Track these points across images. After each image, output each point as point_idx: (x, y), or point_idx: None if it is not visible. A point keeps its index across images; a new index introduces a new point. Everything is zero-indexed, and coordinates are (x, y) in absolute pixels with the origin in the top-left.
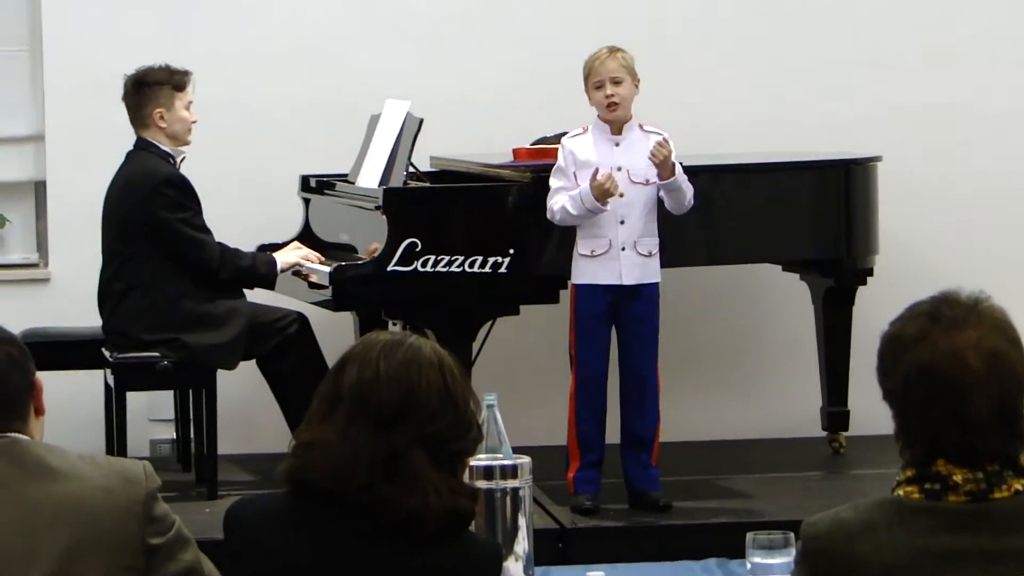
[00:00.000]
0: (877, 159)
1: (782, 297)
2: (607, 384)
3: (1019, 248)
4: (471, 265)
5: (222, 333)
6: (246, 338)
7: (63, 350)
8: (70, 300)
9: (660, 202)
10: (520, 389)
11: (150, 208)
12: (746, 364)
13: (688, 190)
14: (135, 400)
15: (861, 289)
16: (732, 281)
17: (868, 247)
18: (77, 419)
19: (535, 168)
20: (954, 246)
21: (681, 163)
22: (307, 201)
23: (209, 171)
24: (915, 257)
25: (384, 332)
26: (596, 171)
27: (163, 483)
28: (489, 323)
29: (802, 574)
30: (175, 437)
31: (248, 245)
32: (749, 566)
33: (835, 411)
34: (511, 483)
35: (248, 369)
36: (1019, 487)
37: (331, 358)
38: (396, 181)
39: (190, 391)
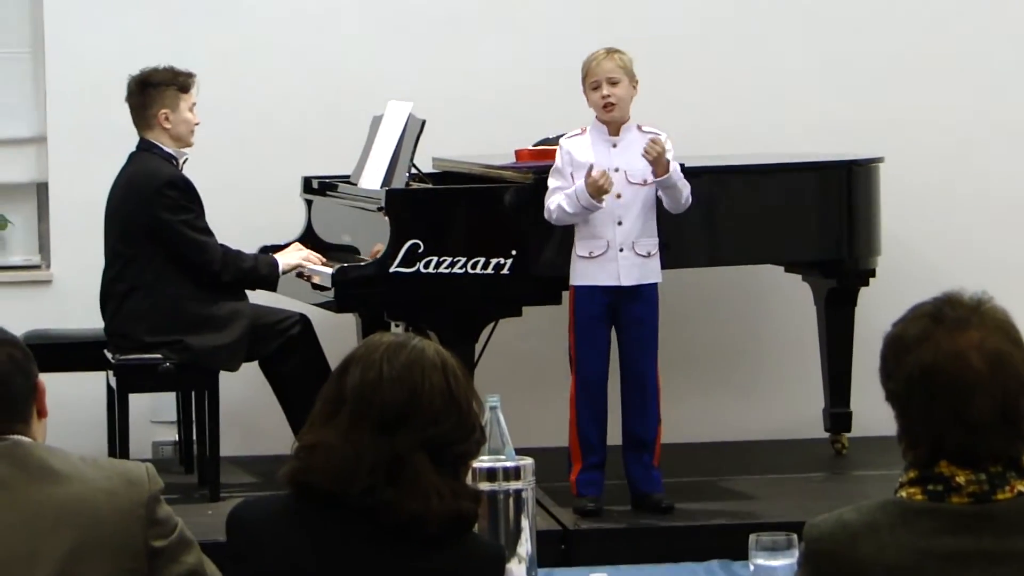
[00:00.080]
0: (879, 160)
1: (784, 298)
2: (608, 385)
3: (1021, 249)
4: (473, 266)
5: (224, 335)
6: (248, 340)
7: (65, 352)
8: (72, 302)
9: (659, 202)
10: (523, 390)
11: (152, 210)
12: (748, 365)
13: (684, 188)
14: (137, 402)
15: (863, 290)
16: (734, 282)
17: (870, 248)
18: (79, 421)
19: (537, 169)
20: (956, 247)
21: (683, 164)
22: (309, 202)
23: (211, 172)
24: (917, 258)
25: (388, 334)
26: (591, 168)
27: (165, 485)
28: (491, 324)
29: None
30: (177, 439)
31: (250, 247)
32: (752, 568)
33: (837, 412)
34: (514, 485)
35: (250, 371)
36: (1022, 488)
37: (333, 359)
38: (398, 182)
39: (192, 393)
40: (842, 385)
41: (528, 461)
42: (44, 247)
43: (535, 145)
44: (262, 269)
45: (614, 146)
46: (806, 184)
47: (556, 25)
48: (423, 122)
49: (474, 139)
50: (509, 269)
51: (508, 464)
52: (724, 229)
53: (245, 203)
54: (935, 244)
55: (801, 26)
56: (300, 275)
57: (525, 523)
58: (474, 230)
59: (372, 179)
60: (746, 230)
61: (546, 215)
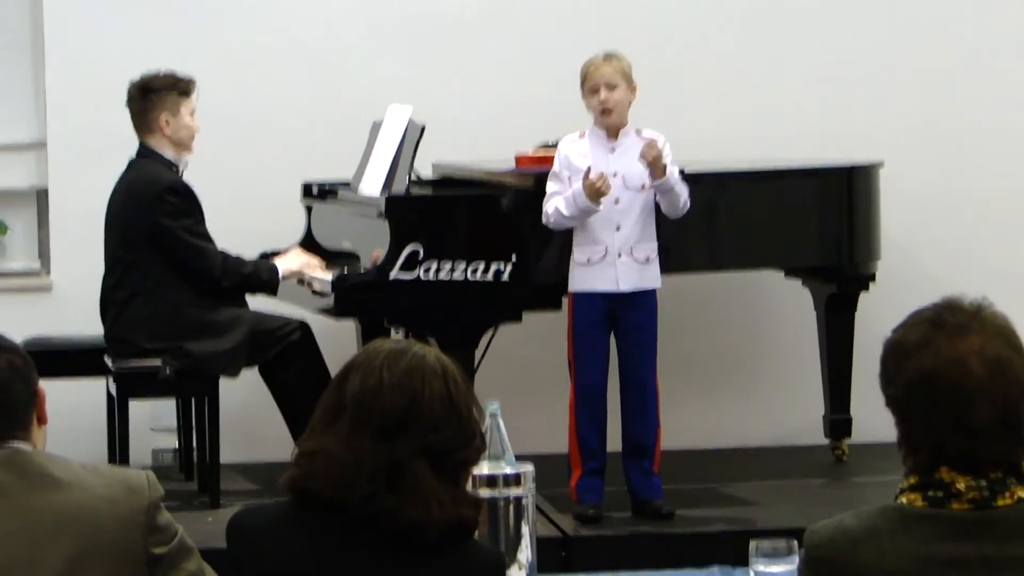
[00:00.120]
0: (879, 165)
1: (784, 303)
2: (607, 392)
3: (1021, 254)
4: (473, 272)
5: (224, 341)
6: (248, 346)
7: (65, 359)
8: (72, 308)
9: (659, 207)
10: (523, 396)
11: (152, 215)
12: (749, 371)
13: (682, 192)
14: (137, 409)
15: (863, 295)
16: (734, 287)
17: (870, 253)
18: (79, 428)
19: (537, 174)
20: (956, 252)
21: (683, 170)
22: (309, 208)
23: (211, 178)
24: (917, 263)
25: (388, 340)
26: (588, 170)
27: (165, 492)
28: (491, 330)
29: None
30: (177, 446)
31: (250, 252)
32: (752, 574)
33: (838, 418)
34: (514, 491)
35: (250, 377)
36: (1022, 494)
37: (333, 365)
38: (398, 188)
39: (192, 399)
40: (842, 391)
41: (528, 468)
42: (44, 253)
43: (536, 150)
44: (262, 274)
45: (612, 150)
46: (806, 189)
47: (557, 30)
48: (423, 127)
49: (474, 144)
50: (509, 275)
51: (508, 471)
52: (724, 234)
53: (245, 209)
54: (935, 249)
55: (801, 31)
56: (300, 281)
57: (525, 530)
58: (474, 236)
59: (372, 185)
60: (746, 235)
61: (544, 219)
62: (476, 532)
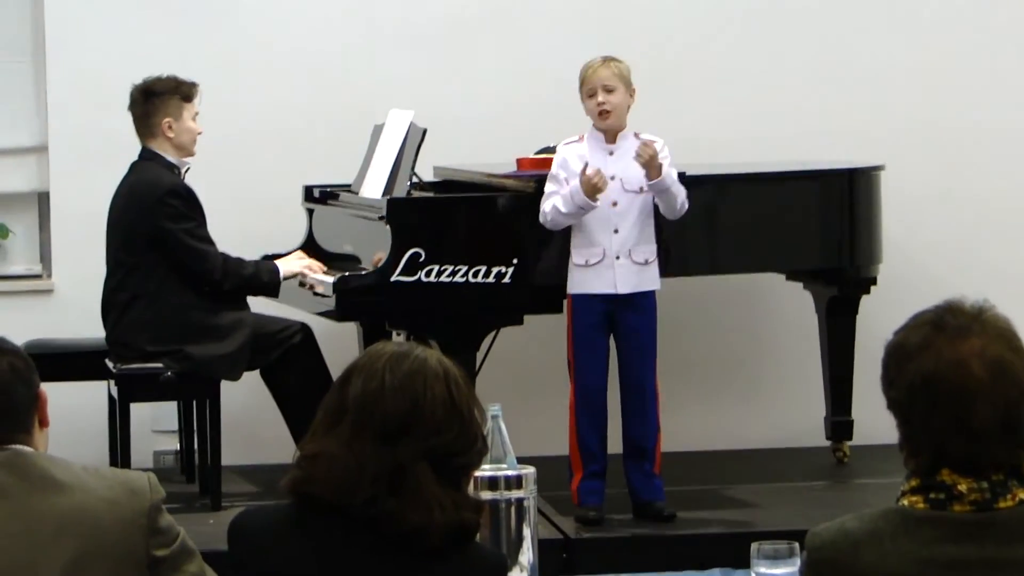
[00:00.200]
0: (880, 168)
1: (785, 306)
2: (607, 393)
3: (1022, 256)
4: (475, 275)
5: (226, 344)
6: (250, 349)
7: (66, 361)
8: (73, 311)
9: (657, 210)
10: (524, 399)
11: (154, 218)
12: (750, 373)
13: (680, 194)
14: (138, 411)
15: (864, 298)
16: (736, 290)
17: (871, 256)
18: (80, 430)
19: (538, 178)
20: (957, 255)
21: (684, 172)
22: (311, 211)
23: (212, 181)
24: (918, 266)
25: (390, 343)
26: (586, 166)
27: (167, 494)
28: (493, 333)
29: None
30: (179, 448)
31: (251, 255)
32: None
33: (839, 420)
34: (515, 493)
35: (252, 380)
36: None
37: (335, 368)
38: (400, 191)
39: (194, 402)
40: (843, 393)
41: (530, 470)
42: (45, 256)
43: (536, 153)
44: (263, 276)
45: (611, 154)
46: (807, 192)
47: (558, 34)
48: (424, 131)
49: (475, 147)
50: (510, 278)
51: (510, 473)
52: (725, 237)
53: (246, 212)
54: (936, 252)
55: (801, 34)
56: (301, 284)
57: (527, 532)
58: (475, 239)
59: (373, 188)
60: (747, 238)
61: (541, 218)
62: (478, 535)
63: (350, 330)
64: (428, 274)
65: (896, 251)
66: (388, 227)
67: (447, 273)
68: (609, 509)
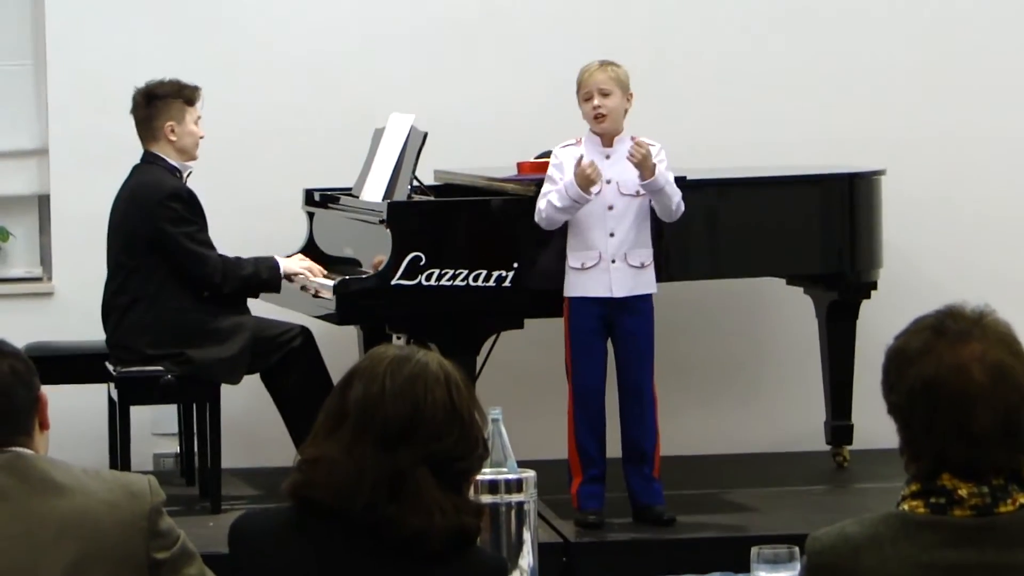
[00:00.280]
0: (881, 172)
1: (786, 311)
2: (605, 397)
3: (1022, 261)
4: (475, 279)
5: (226, 347)
6: (250, 353)
7: (67, 364)
8: (74, 314)
9: (655, 213)
10: (524, 402)
11: (155, 221)
12: (750, 377)
13: (675, 195)
14: (139, 414)
15: (865, 303)
16: (736, 294)
17: (872, 261)
18: (81, 433)
19: (539, 182)
20: (958, 260)
21: (685, 177)
22: (311, 215)
23: (213, 185)
24: (919, 271)
25: (392, 347)
26: (581, 158)
27: (167, 497)
28: (493, 337)
29: None
30: (179, 451)
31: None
32: None
33: (839, 425)
34: (516, 497)
35: (252, 383)
36: None
37: (335, 372)
38: (400, 195)
39: (194, 405)
40: (844, 397)
41: (530, 474)
42: (45, 259)
43: (537, 157)
44: (263, 273)
45: (607, 157)
46: (808, 197)
47: (558, 38)
48: (425, 134)
49: (476, 151)
50: (510, 281)
51: (510, 476)
52: (726, 242)
53: (247, 215)
54: (937, 257)
55: (803, 39)
56: (303, 288)
57: (527, 536)
58: (476, 242)
59: (374, 191)
60: (748, 243)
61: (536, 216)
62: (478, 538)
63: (350, 333)
64: (429, 278)
65: (896, 256)
66: (389, 231)
67: (447, 277)
68: (609, 513)
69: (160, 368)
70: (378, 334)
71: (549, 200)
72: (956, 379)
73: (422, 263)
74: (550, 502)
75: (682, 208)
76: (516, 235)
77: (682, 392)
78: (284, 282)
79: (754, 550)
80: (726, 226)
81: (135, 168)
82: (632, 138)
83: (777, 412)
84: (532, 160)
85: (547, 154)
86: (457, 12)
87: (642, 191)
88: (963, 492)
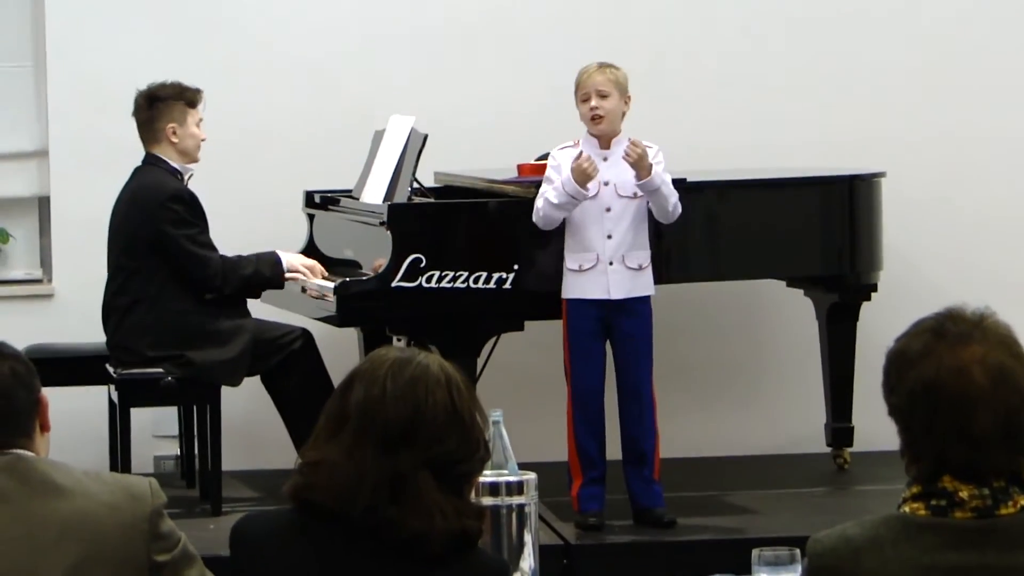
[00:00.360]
0: (881, 175)
1: (786, 313)
2: (604, 399)
3: (1023, 263)
4: (475, 281)
5: (227, 350)
6: (250, 355)
7: (67, 366)
8: (74, 316)
9: (652, 215)
10: (525, 404)
11: (156, 223)
12: (751, 379)
13: (671, 196)
14: (139, 416)
15: (865, 305)
16: (737, 296)
17: (872, 263)
18: (81, 435)
19: (539, 184)
20: (958, 262)
21: (685, 179)
22: (311, 217)
23: (213, 187)
24: (919, 273)
25: (393, 349)
26: (580, 154)
27: (167, 499)
28: (493, 339)
29: None
30: (179, 453)
31: None
32: None
33: (839, 427)
34: (517, 499)
35: (252, 385)
36: None
37: (335, 374)
38: (400, 197)
39: (194, 407)
40: (844, 400)
41: (531, 476)
42: (46, 261)
43: (537, 159)
44: (265, 271)
45: (605, 159)
46: (808, 199)
47: (558, 40)
48: (425, 136)
49: (476, 153)
50: (511, 283)
51: (511, 479)
52: (726, 244)
53: (247, 217)
54: (937, 259)
55: (803, 41)
56: (303, 289)
57: (528, 538)
58: (476, 244)
59: (374, 193)
60: (748, 245)
61: (534, 216)
62: (479, 541)
63: (351, 335)
64: (429, 280)
65: (897, 258)
66: (389, 233)
67: (448, 279)
68: (609, 515)
69: (160, 370)
70: (378, 336)
71: (546, 198)
72: (957, 381)
73: (422, 265)
74: (551, 504)
75: (679, 209)
76: (516, 237)
77: (683, 394)
78: (286, 283)
79: (755, 552)
80: (726, 228)
81: (136, 170)
82: (629, 139)
83: (778, 414)
84: (532, 162)
85: (547, 156)
86: (457, 14)
87: (639, 193)
88: (964, 494)
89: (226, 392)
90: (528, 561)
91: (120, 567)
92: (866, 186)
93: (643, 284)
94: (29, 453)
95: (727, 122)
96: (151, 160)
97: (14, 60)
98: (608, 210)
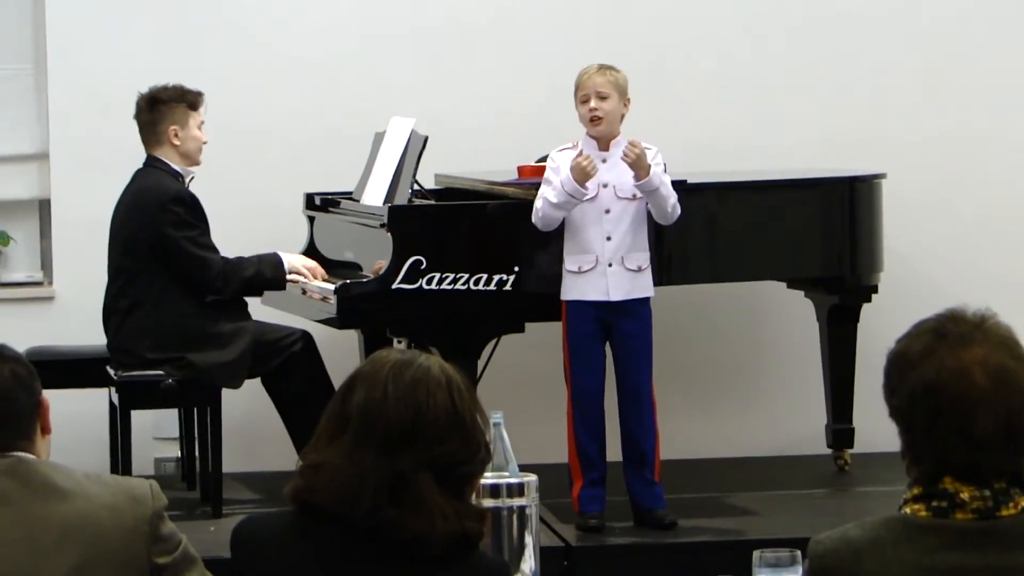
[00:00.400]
0: (881, 176)
1: (786, 314)
2: (604, 400)
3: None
4: (476, 283)
5: (227, 352)
6: (251, 357)
7: (67, 368)
8: (74, 318)
9: (652, 217)
10: (525, 406)
11: (157, 225)
12: (751, 381)
13: (669, 196)
14: (140, 418)
15: (865, 306)
16: (737, 298)
17: (872, 264)
18: (82, 437)
19: (540, 185)
20: (959, 263)
21: (685, 180)
22: (312, 219)
23: (213, 189)
24: (919, 274)
25: (393, 351)
26: (580, 152)
27: (168, 502)
28: (494, 340)
29: None
30: (180, 455)
31: None
32: None
33: (840, 428)
34: (518, 501)
35: (253, 387)
36: None
37: (336, 376)
38: (401, 199)
39: (195, 409)
40: (844, 401)
41: (532, 478)
42: (46, 263)
43: (537, 161)
44: (266, 272)
45: (604, 161)
46: (808, 200)
47: (559, 41)
48: (425, 138)
49: (477, 155)
50: (511, 285)
51: (512, 481)
52: (726, 246)
53: (247, 219)
54: (938, 260)
55: (803, 43)
56: (304, 291)
57: (529, 540)
58: (476, 246)
59: (374, 195)
60: (748, 247)
61: (533, 217)
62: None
63: (351, 337)
64: (429, 282)
65: (897, 259)
66: (389, 235)
67: (448, 281)
68: (610, 517)
69: (161, 372)
70: (379, 338)
71: (546, 198)
72: (958, 383)
73: (423, 267)
74: (551, 506)
75: (678, 210)
76: (517, 239)
77: (684, 396)
78: (287, 284)
79: (756, 554)
80: (727, 230)
81: (137, 172)
82: (628, 140)
83: (778, 416)
84: (533, 164)
85: (547, 158)
86: (457, 15)
87: (639, 194)
88: (965, 496)
89: (227, 394)
90: (529, 563)
91: (121, 569)
92: (866, 187)
93: (642, 286)
94: (30, 456)
95: (727, 123)
96: (152, 162)
97: (15, 62)
98: (607, 212)
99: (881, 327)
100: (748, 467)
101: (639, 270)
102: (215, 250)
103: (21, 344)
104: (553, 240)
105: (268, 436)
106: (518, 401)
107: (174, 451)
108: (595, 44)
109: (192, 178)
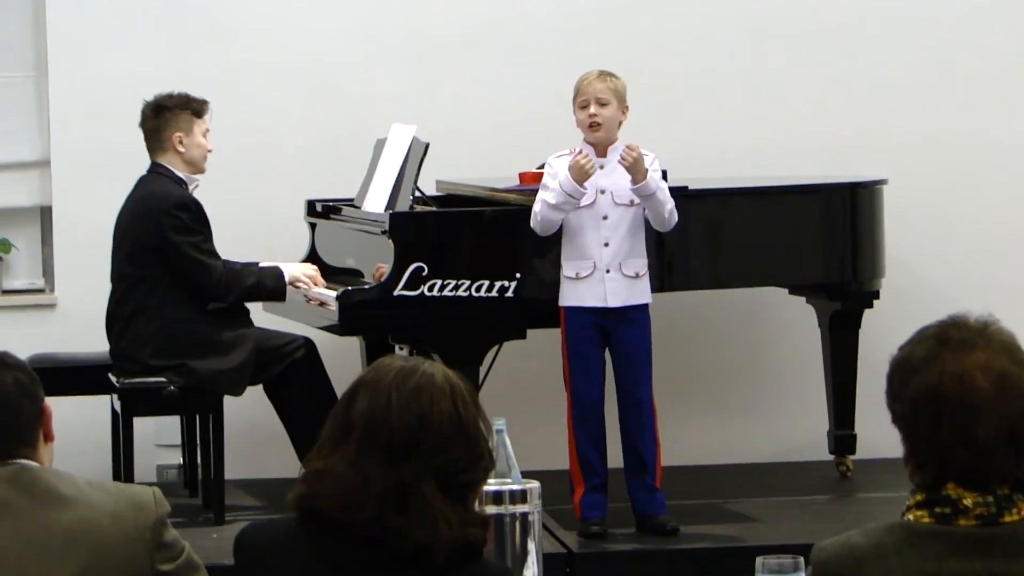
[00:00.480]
0: (883, 182)
1: (788, 320)
2: (604, 407)
3: None
4: (477, 289)
5: (229, 359)
6: (253, 364)
7: (69, 376)
8: (76, 325)
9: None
10: (528, 413)
11: (161, 230)
12: (753, 387)
13: (666, 201)
14: (142, 425)
15: (867, 312)
16: (739, 304)
17: (874, 270)
18: (84, 445)
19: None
20: (961, 269)
21: (686, 187)
22: (313, 226)
23: (215, 196)
24: (921, 280)
25: (397, 358)
26: (579, 152)
27: (171, 509)
28: (496, 347)
29: None
30: (182, 462)
31: None
32: None
33: (842, 434)
34: (520, 508)
35: (255, 394)
36: None
37: (338, 383)
38: (402, 205)
39: (197, 416)
40: (847, 407)
41: (534, 484)
42: (48, 271)
43: (539, 168)
44: (267, 282)
45: (601, 167)
46: (810, 206)
47: (560, 48)
48: (427, 145)
49: (478, 162)
50: (513, 292)
51: (514, 487)
52: (728, 252)
53: (248, 226)
54: (939, 266)
55: (804, 48)
56: (307, 299)
57: (531, 546)
58: (478, 253)
59: (376, 202)
60: (750, 253)
61: (532, 221)
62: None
63: (353, 344)
64: (431, 288)
65: (899, 265)
66: (391, 241)
67: (450, 287)
68: (612, 523)
69: (163, 379)
70: (381, 345)
71: (544, 200)
72: (960, 388)
73: (424, 274)
74: (553, 512)
75: (675, 217)
76: (518, 245)
77: (685, 402)
78: (289, 292)
79: (759, 560)
80: (728, 236)
81: (141, 179)
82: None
83: (780, 422)
84: (534, 170)
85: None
86: (458, 22)
87: (636, 200)
88: (968, 502)
89: (229, 401)
90: (532, 569)
91: None
92: (868, 193)
93: (640, 292)
94: (33, 463)
95: (728, 130)
96: (156, 169)
97: (16, 70)
98: (605, 218)
99: (883, 333)
100: (750, 473)
101: (637, 276)
102: (218, 256)
103: (23, 351)
104: (555, 246)
105: (270, 443)
106: (520, 407)
107: (176, 458)
108: (595, 50)
109: (196, 186)
